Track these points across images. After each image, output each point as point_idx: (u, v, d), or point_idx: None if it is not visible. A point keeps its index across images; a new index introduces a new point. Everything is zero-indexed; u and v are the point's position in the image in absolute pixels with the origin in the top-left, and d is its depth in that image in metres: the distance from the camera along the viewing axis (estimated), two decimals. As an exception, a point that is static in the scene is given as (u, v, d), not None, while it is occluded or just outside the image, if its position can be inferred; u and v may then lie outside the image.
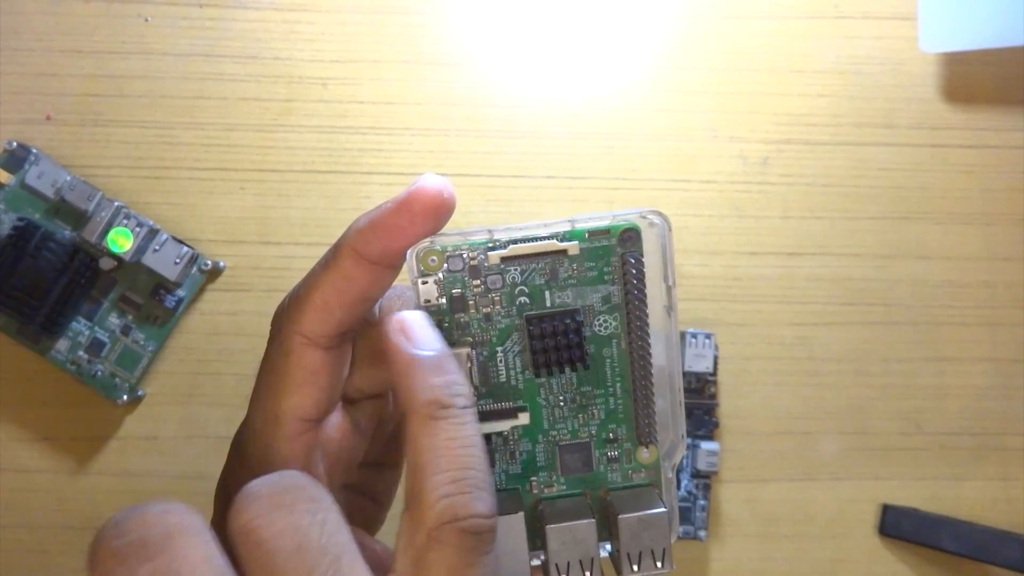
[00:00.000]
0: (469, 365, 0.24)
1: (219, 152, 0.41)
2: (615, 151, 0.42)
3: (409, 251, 0.24)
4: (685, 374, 0.41)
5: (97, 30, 0.41)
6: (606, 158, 0.42)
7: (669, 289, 0.25)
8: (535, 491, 0.26)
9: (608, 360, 0.25)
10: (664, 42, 0.42)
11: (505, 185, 0.42)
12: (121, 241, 0.39)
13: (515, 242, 0.24)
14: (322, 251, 0.26)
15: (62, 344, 0.40)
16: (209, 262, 0.40)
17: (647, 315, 0.25)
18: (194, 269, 0.40)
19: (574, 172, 0.42)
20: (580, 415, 0.25)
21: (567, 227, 0.24)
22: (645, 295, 0.24)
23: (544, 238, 0.24)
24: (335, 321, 0.24)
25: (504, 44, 0.42)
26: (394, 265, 0.24)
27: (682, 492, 0.41)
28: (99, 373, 0.40)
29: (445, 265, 0.24)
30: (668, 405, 0.25)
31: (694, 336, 0.41)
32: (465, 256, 0.24)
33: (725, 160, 0.42)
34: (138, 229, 0.39)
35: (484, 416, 0.25)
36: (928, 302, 0.42)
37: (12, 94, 0.41)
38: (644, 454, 0.25)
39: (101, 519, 0.40)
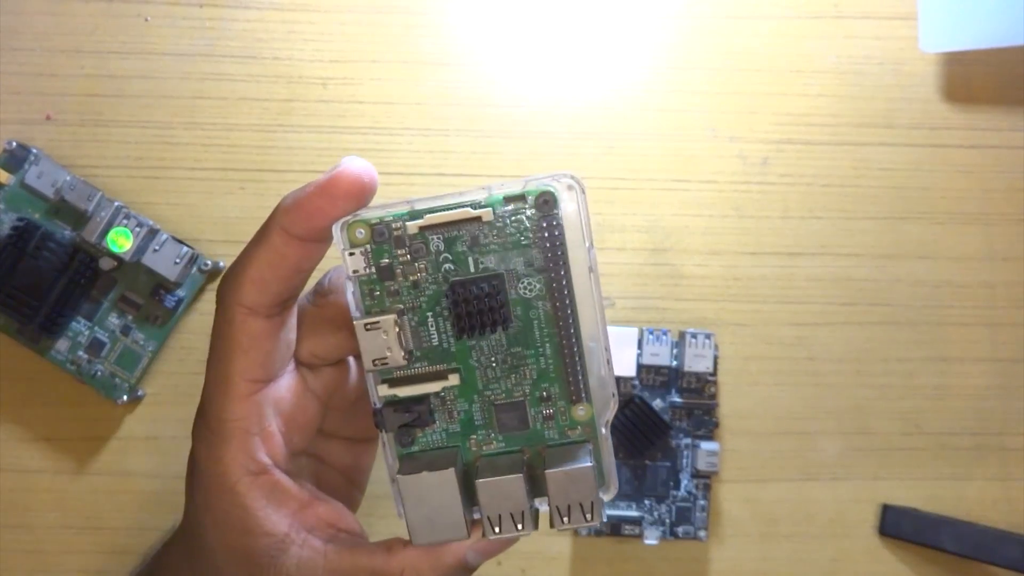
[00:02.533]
0: (397, 330, 0.25)
1: (219, 152, 0.41)
2: (615, 151, 0.42)
3: (335, 225, 0.25)
4: (685, 374, 0.41)
5: (97, 30, 0.41)
6: (606, 158, 0.42)
7: (588, 250, 0.25)
8: (474, 448, 0.27)
9: (535, 321, 0.26)
10: (664, 42, 0.42)
11: (505, 185, 0.42)
12: (121, 241, 0.39)
13: (431, 211, 0.25)
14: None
15: (62, 344, 0.40)
16: (209, 262, 0.40)
17: (570, 276, 0.25)
18: (194, 269, 0.40)
19: (574, 172, 0.42)
20: (512, 375, 0.26)
21: (484, 195, 0.25)
22: (566, 257, 0.25)
23: (459, 206, 0.25)
24: (271, 293, 0.26)
25: (504, 44, 0.42)
26: (322, 240, 0.25)
27: (682, 492, 0.41)
28: (99, 373, 0.40)
29: (371, 237, 0.25)
30: (599, 364, 0.26)
31: (694, 336, 0.40)
32: (389, 227, 0.25)
33: (725, 160, 0.42)
34: (138, 229, 0.39)
35: (416, 379, 0.26)
36: (928, 302, 0.42)
37: (12, 94, 0.41)
38: (579, 411, 0.26)
39: (101, 519, 0.41)
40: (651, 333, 0.41)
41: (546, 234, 0.25)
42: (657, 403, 0.41)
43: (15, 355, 0.40)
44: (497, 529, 0.25)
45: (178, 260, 0.40)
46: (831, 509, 0.42)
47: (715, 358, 0.41)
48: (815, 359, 0.42)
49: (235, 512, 0.26)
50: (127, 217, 0.39)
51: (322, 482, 0.30)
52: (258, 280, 0.25)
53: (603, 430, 0.26)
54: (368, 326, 0.25)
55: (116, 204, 0.39)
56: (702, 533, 0.41)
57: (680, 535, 0.41)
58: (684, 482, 0.41)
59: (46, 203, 0.40)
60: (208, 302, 0.41)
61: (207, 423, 0.26)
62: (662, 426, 0.40)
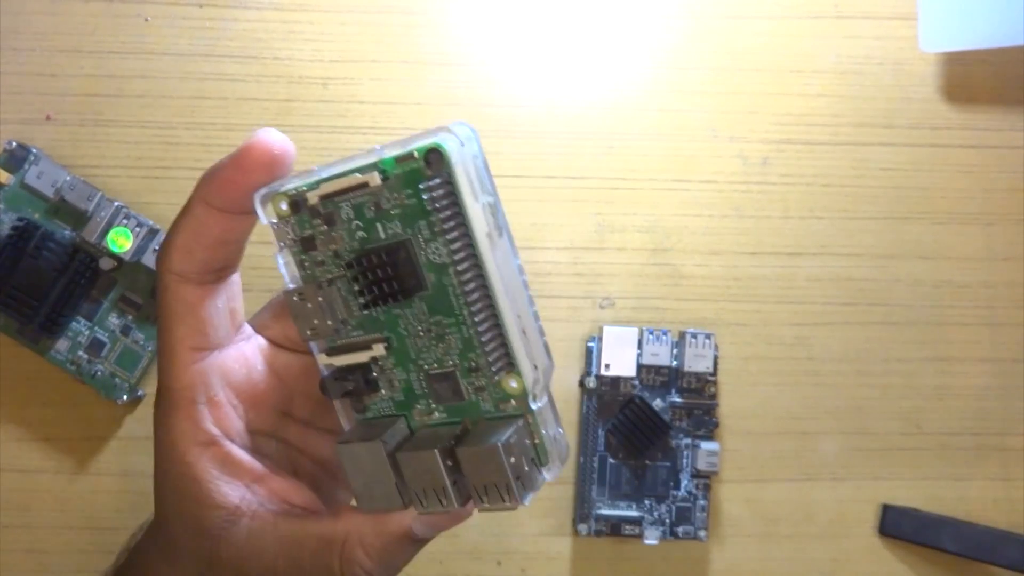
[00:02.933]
0: (321, 299, 0.25)
1: (219, 152, 0.41)
2: (615, 151, 0.42)
3: (255, 198, 0.25)
4: (685, 374, 0.41)
5: (97, 30, 0.41)
6: (606, 158, 0.42)
7: (490, 206, 0.23)
8: (418, 419, 0.26)
9: (450, 288, 0.24)
10: (664, 42, 0.42)
11: (505, 185, 0.42)
12: (121, 241, 0.39)
13: (327, 180, 0.24)
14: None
15: (62, 344, 0.40)
16: (209, 262, 0.40)
17: (474, 239, 0.23)
18: (194, 269, 0.40)
19: (574, 172, 0.42)
20: (440, 344, 0.25)
21: (374, 158, 0.24)
22: (462, 217, 0.23)
23: (348, 172, 0.24)
24: (198, 260, 0.26)
25: (504, 44, 0.42)
26: (240, 211, 0.25)
27: (682, 492, 0.41)
28: (99, 373, 0.40)
29: (291, 209, 0.25)
30: (527, 332, 0.24)
31: (694, 336, 0.40)
32: (304, 198, 0.25)
33: (725, 160, 0.42)
34: (138, 229, 0.39)
35: (352, 348, 0.25)
36: (928, 302, 0.42)
37: (12, 94, 0.41)
38: (510, 383, 0.24)
39: (101, 519, 0.41)
40: (651, 333, 0.41)
41: (439, 193, 0.23)
42: (657, 403, 0.41)
43: (15, 355, 0.40)
44: (424, 503, 0.24)
45: (178, 260, 0.40)
46: (831, 509, 0.42)
47: (715, 358, 0.41)
48: (815, 359, 0.42)
49: (186, 483, 0.26)
50: (127, 217, 0.39)
51: (299, 473, 0.29)
52: (182, 248, 0.26)
53: (537, 404, 0.24)
54: (295, 296, 0.25)
55: (116, 204, 0.39)
56: (702, 533, 0.41)
57: (680, 535, 0.41)
58: (684, 482, 0.41)
59: (46, 203, 0.40)
60: (208, 302, 0.41)
61: (159, 394, 0.27)
62: (662, 426, 0.40)
